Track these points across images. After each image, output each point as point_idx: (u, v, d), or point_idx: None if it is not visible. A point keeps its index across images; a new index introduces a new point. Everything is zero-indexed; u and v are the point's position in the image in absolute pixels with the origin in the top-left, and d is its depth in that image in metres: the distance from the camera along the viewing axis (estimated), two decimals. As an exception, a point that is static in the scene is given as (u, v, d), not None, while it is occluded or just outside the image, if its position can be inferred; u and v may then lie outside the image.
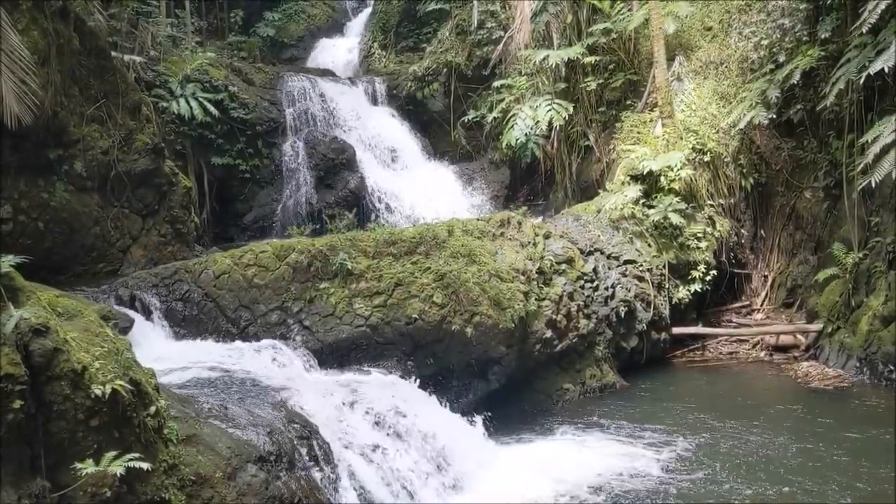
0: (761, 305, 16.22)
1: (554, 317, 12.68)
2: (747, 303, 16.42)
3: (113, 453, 5.91)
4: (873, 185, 12.11)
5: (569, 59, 17.36)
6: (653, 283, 14.29)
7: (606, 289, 13.83)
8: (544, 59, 17.56)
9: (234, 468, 7.09)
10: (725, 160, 16.07)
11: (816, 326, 14.16)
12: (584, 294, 13.48)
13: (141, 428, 6.47)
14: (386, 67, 24.66)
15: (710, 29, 17.79)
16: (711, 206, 15.66)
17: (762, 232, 16.51)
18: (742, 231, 16.34)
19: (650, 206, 14.78)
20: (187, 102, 17.58)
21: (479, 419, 10.68)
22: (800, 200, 15.73)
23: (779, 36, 15.20)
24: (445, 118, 22.56)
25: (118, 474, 5.85)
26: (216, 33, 27.53)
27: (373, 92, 22.67)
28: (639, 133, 16.46)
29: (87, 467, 5.74)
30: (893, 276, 12.54)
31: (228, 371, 9.54)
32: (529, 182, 20.92)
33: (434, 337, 11.24)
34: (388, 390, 9.91)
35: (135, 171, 13.19)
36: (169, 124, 17.20)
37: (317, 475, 7.92)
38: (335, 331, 10.93)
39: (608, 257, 14.18)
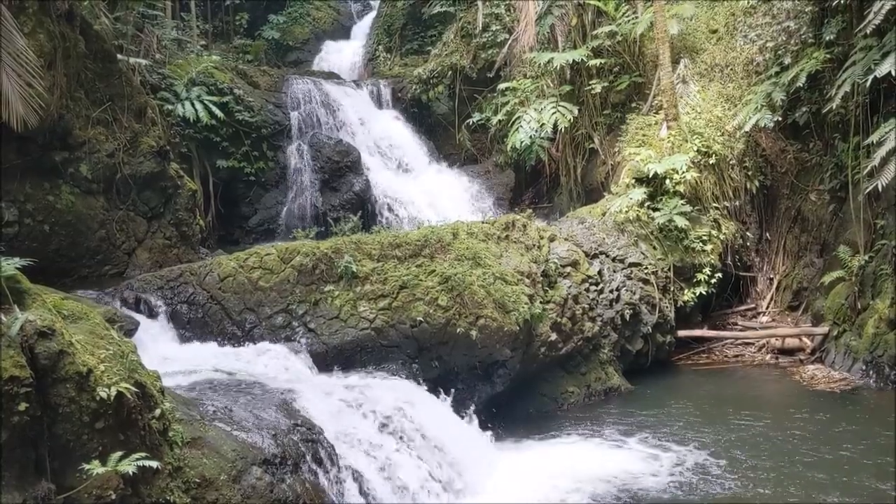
0: (767, 308, 16.18)
1: (559, 319, 12.66)
2: (753, 305, 16.37)
3: (119, 454, 5.91)
4: (880, 188, 12.10)
5: (573, 61, 17.34)
6: (658, 285, 14.26)
7: (611, 291, 13.81)
8: (549, 61, 17.54)
9: (239, 471, 7.10)
10: (731, 163, 16.03)
11: (822, 329, 14.11)
12: (588, 297, 13.46)
13: (146, 430, 6.47)
14: (391, 70, 24.70)
15: (715, 31, 17.76)
16: (717, 208, 15.63)
17: (768, 234, 16.47)
18: (747, 234, 16.30)
19: (655, 209, 14.75)
20: (192, 105, 17.61)
21: (483, 422, 10.68)
22: (805, 203, 15.69)
23: (784, 38, 15.17)
24: (450, 121, 22.59)
25: (131, 473, 5.86)
26: (221, 36, 27.64)
27: (378, 95, 22.71)
28: (644, 135, 16.44)
29: (96, 468, 5.74)
30: (900, 279, 12.52)
31: (233, 373, 9.55)
32: (534, 185, 20.91)
33: (439, 339, 11.24)
34: (393, 393, 9.90)
35: (140, 174, 13.21)
36: (174, 127, 17.22)
37: (322, 478, 7.92)
38: (340, 333, 10.93)
39: (613, 260, 14.16)
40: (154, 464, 6.11)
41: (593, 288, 13.62)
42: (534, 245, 13.14)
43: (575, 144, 18.51)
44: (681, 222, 14.50)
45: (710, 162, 15.64)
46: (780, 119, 15.01)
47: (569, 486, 9.57)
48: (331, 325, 10.97)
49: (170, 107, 17.27)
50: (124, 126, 13.06)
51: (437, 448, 9.44)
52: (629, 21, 17.15)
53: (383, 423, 9.21)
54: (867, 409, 11.76)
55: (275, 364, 10.09)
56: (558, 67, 17.80)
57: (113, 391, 6.10)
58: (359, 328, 10.98)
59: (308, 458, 7.90)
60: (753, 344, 15.26)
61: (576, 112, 17.52)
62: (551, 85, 18.37)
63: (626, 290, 13.94)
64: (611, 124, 17.86)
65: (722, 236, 15.32)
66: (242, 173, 19.30)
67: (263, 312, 11.03)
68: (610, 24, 17.33)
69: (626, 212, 14.50)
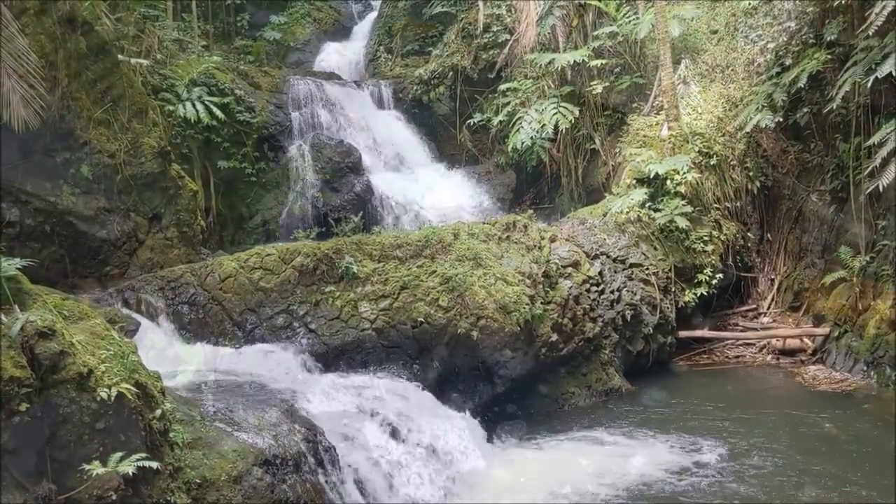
0: (768, 309, 16.16)
1: (559, 320, 12.66)
2: (754, 306, 16.35)
3: (119, 454, 5.92)
4: (881, 189, 12.09)
5: (574, 62, 17.33)
6: (659, 286, 14.25)
7: (612, 292, 13.80)
8: (550, 62, 17.54)
9: (240, 472, 7.10)
10: (732, 163, 16.02)
11: (823, 330, 14.10)
12: (589, 298, 13.46)
13: (147, 431, 6.47)
14: (392, 71, 24.67)
15: (716, 32, 17.75)
16: (718, 209, 15.61)
17: (769, 235, 16.46)
18: (748, 234, 16.28)
19: (656, 210, 14.74)
20: (193, 106, 17.59)
21: (484, 423, 10.67)
22: (806, 203, 15.67)
23: (785, 39, 15.17)
24: (451, 121, 22.56)
25: (130, 473, 5.87)
26: (222, 37, 27.61)
27: (379, 95, 22.69)
28: (645, 136, 16.43)
29: (96, 468, 5.75)
30: (901, 280, 12.51)
31: (234, 374, 9.57)
32: (535, 185, 20.89)
33: (440, 340, 11.24)
34: (394, 393, 9.92)
35: (141, 175, 13.22)
36: (175, 128, 17.21)
37: (322, 478, 7.92)
38: (341, 334, 10.94)
39: (614, 261, 14.16)
40: (154, 464, 6.12)
41: (594, 289, 13.62)
42: (535, 246, 13.13)
43: (576, 145, 18.50)
44: (682, 223, 14.49)
45: (711, 163, 15.63)
46: (781, 120, 14.99)
47: (570, 486, 9.55)
48: (332, 325, 10.98)
49: (171, 107, 17.25)
50: (125, 127, 13.06)
51: (438, 448, 9.44)
52: (630, 22, 17.15)
53: (384, 424, 9.22)
54: (873, 410, 11.73)
55: (275, 365, 10.10)
56: (559, 68, 17.80)
57: (113, 392, 6.11)
58: (360, 329, 10.99)
59: (309, 458, 7.91)
60: (754, 345, 15.25)
61: (577, 113, 17.51)
62: (552, 85, 18.37)
63: (627, 291, 13.93)
64: (612, 125, 17.85)
65: (723, 237, 15.31)
66: (243, 174, 19.28)
67: (264, 313, 11.04)
68: (611, 25, 17.33)
69: (627, 212, 14.48)
